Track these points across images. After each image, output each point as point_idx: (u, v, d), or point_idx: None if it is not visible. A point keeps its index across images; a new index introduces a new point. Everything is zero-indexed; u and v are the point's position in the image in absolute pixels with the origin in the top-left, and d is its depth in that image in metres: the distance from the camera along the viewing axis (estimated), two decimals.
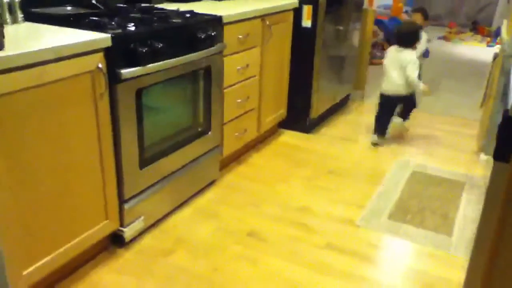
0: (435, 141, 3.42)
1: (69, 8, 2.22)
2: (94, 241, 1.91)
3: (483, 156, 3.04)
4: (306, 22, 3.20)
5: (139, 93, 1.95)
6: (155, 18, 2.11)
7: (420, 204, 2.55)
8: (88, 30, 1.80)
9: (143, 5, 2.47)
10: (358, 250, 2.16)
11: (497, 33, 6.63)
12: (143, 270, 1.96)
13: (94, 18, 1.98)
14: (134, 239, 2.13)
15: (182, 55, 2.10)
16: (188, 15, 2.28)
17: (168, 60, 2.02)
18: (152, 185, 2.16)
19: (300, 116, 3.41)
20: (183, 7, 2.52)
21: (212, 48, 2.30)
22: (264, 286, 1.91)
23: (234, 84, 2.66)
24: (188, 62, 2.16)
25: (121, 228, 2.02)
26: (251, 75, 2.81)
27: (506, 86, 2.38)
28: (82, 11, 2.16)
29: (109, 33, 1.78)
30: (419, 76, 3.27)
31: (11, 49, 1.45)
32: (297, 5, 3.14)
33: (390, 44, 5.08)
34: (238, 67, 2.65)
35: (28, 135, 1.53)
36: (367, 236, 2.27)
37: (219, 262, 2.04)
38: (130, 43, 1.86)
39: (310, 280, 1.95)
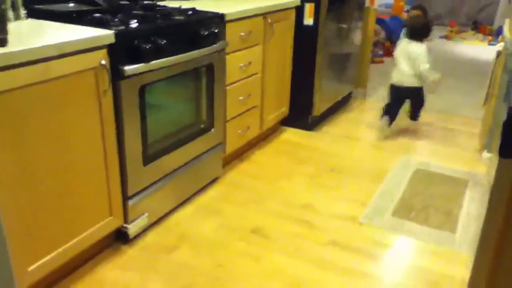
0: (437, 139, 3.42)
1: (71, 4, 2.22)
2: (98, 237, 1.91)
3: (485, 154, 3.04)
4: (308, 20, 3.20)
5: (142, 90, 1.95)
6: (158, 15, 2.11)
7: (424, 201, 2.54)
8: (91, 27, 1.80)
9: (145, 2, 2.47)
10: (361, 247, 2.16)
11: (499, 32, 6.62)
12: (147, 266, 1.97)
13: (97, 15, 1.98)
14: (138, 236, 2.13)
15: (185, 52, 2.11)
16: (190, 12, 2.28)
17: (171, 57, 2.02)
18: (156, 182, 2.16)
19: (302, 113, 3.41)
20: (185, 4, 2.52)
21: (215, 45, 2.30)
22: (267, 283, 1.91)
23: (236, 82, 2.66)
24: (190, 59, 2.16)
25: (125, 225, 2.02)
26: (253, 73, 2.81)
27: (509, 83, 2.38)
28: (84, 8, 2.16)
29: (113, 30, 1.78)
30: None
31: (14, 45, 1.45)
32: (299, 3, 3.14)
33: (392, 42, 5.09)
34: (241, 65, 2.65)
35: (31, 132, 1.53)
36: (371, 233, 2.26)
37: (222, 258, 2.04)
38: (134, 40, 1.86)
39: (313, 276, 1.95)
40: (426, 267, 2.05)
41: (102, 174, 1.85)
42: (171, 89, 2.22)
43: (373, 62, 4.84)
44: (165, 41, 1.96)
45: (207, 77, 2.39)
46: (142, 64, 1.87)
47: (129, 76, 1.85)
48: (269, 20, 2.84)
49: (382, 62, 5.42)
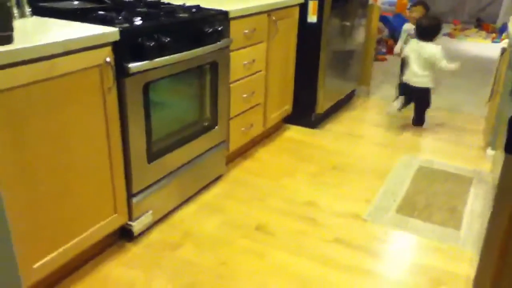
0: (441, 137, 3.41)
1: (76, 2, 2.23)
2: (103, 235, 1.91)
3: (490, 151, 3.04)
4: (312, 18, 3.20)
5: (146, 88, 1.95)
6: (162, 13, 2.11)
7: (427, 199, 2.54)
8: (96, 24, 1.80)
9: None
10: (365, 244, 2.16)
11: (503, 29, 6.61)
12: (151, 263, 1.97)
13: (102, 12, 1.98)
14: (142, 233, 2.13)
15: (189, 50, 2.10)
16: (194, 9, 2.28)
17: (175, 55, 2.02)
18: (160, 180, 2.16)
19: (305, 111, 3.41)
20: (189, 1, 2.51)
21: (219, 43, 2.30)
22: (271, 280, 1.91)
23: (240, 79, 2.65)
24: (194, 56, 2.16)
25: (129, 222, 2.03)
26: (257, 70, 2.81)
27: None
28: (89, 5, 2.16)
29: (117, 27, 1.78)
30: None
31: (19, 42, 1.45)
32: (303, 0, 3.13)
33: (395, 40, 5.06)
34: (245, 62, 2.65)
35: (37, 129, 1.54)
36: (375, 230, 2.26)
37: (226, 255, 2.04)
38: (138, 37, 1.86)
39: (317, 273, 1.95)
40: (430, 264, 2.05)
41: (106, 172, 1.85)
42: (175, 86, 2.22)
43: (376, 59, 4.82)
44: (169, 39, 1.96)
45: (211, 75, 2.39)
46: (146, 62, 1.88)
47: (133, 74, 1.85)
48: (273, 18, 2.84)
49: (385, 59, 5.41)
